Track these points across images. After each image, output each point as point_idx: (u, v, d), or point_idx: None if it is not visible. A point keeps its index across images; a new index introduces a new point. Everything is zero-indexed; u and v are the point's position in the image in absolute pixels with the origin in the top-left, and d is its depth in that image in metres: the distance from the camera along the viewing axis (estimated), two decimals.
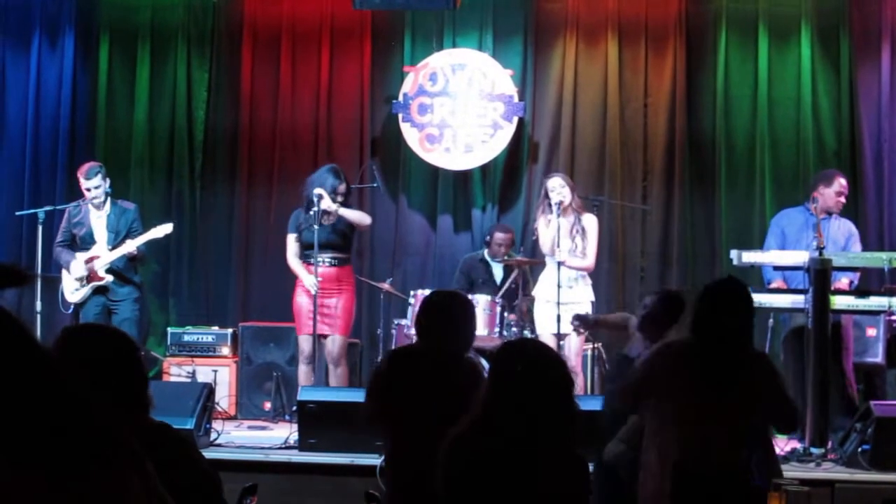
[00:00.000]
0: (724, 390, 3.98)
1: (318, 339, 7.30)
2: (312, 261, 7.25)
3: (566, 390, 3.28)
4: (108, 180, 7.76)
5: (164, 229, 7.77)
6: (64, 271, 7.75)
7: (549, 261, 7.56)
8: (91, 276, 7.66)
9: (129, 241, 7.67)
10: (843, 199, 7.44)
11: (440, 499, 3.31)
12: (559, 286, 7.24)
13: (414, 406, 4.14)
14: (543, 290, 7.60)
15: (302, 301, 7.38)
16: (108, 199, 7.79)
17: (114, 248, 7.65)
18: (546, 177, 8.00)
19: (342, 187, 7.41)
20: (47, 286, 7.96)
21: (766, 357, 4.29)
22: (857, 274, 7.31)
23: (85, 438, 1.64)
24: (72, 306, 7.72)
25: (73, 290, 7.70)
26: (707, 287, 4.20)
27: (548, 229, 7.54)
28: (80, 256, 7.68)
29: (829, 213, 7.36)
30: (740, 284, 4.24)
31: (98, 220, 7.73)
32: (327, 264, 7.34)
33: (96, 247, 7.69)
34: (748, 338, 4.11)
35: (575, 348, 7.43)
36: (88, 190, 7.67)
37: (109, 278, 7.68)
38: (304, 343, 7.37)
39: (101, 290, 7.69)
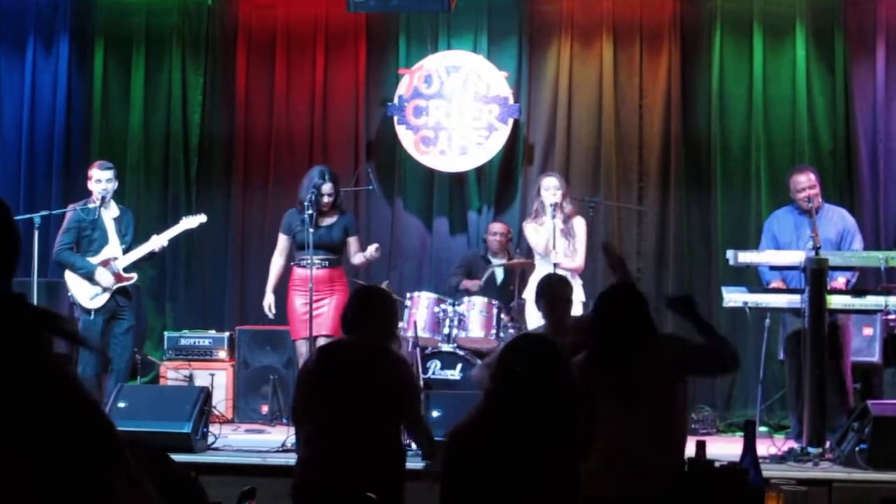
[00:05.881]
0: (633, 390, 3.98)
1: (314, 340, 7.19)
2: (305, 262, 7.20)
3: (564, 393, 3.28)
4: (117, 182, 7.63)
5: (197, 219, 7.75)
6: (71, 277, 7.45)
7: (544, 262, 7.55)
8: (117, 277, 7.44)
9: (157, 236, 7.56)
10: (803, 194, 7.17)
11: (441, 489, 3.32)
12: None
13: (339, 398, 4.32)
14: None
15: (295, 304, 7.33)
16: (112, 200, 7.61)
17: (127, 250, 7.52)
18: (540, 176, 7.99)
19: (326, 187, 7.27)
20: (50, 293, 7.93)
21: (667, 337, 4.33)
22: (856, 273, 7.25)
23: (86, 443, 1.65)
24: (92, 313, 7.38)
25: (91, 295, 7.39)
26: (597, 299, 4.31)
27: (541, 230, 7.53)
28: (96, 261, 7.41)
29: (814, 208, 7.19)
30: (628, 285, 4.45)
31: (109, 223, 7.54)
32: (318, 265, 7.22)
33: (109, 248, 7.49)
34: (647, 331, 4.13)
35: None
36: (100, 181, 7.42)
37: (135, 276, 7.55)
38: (301, 347, 7.32)
39: (112, 296, 7.44)
